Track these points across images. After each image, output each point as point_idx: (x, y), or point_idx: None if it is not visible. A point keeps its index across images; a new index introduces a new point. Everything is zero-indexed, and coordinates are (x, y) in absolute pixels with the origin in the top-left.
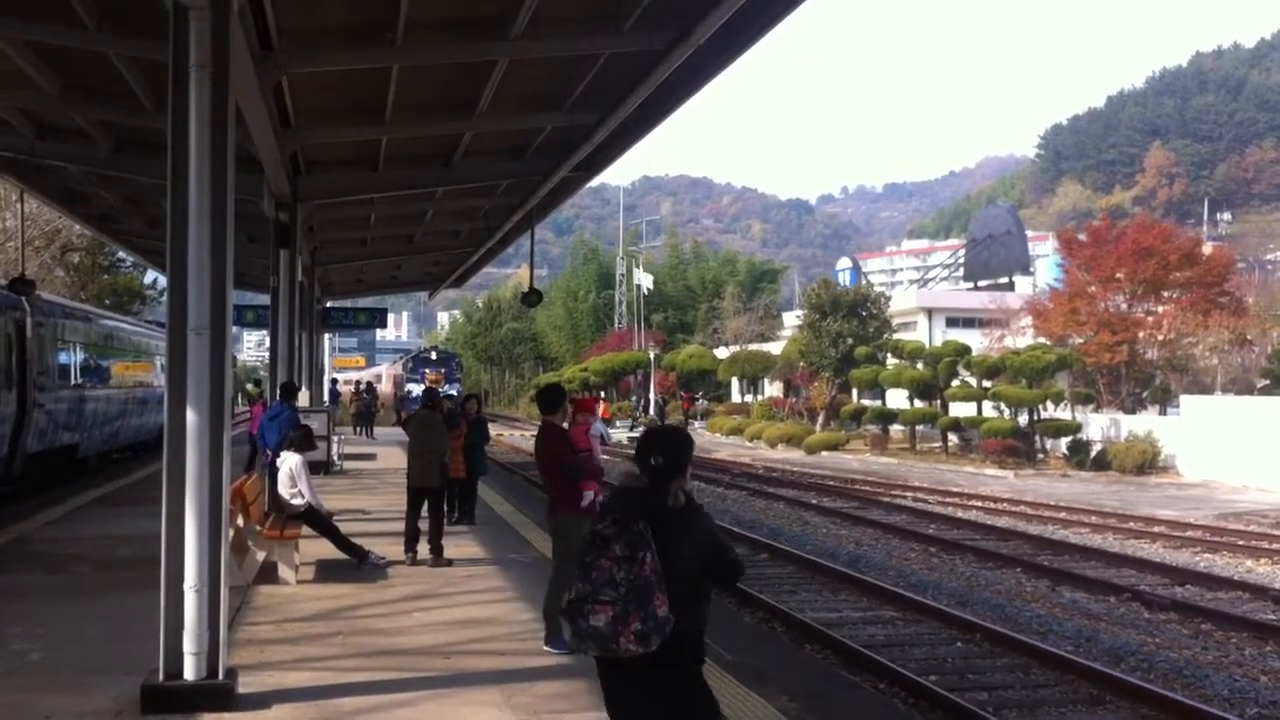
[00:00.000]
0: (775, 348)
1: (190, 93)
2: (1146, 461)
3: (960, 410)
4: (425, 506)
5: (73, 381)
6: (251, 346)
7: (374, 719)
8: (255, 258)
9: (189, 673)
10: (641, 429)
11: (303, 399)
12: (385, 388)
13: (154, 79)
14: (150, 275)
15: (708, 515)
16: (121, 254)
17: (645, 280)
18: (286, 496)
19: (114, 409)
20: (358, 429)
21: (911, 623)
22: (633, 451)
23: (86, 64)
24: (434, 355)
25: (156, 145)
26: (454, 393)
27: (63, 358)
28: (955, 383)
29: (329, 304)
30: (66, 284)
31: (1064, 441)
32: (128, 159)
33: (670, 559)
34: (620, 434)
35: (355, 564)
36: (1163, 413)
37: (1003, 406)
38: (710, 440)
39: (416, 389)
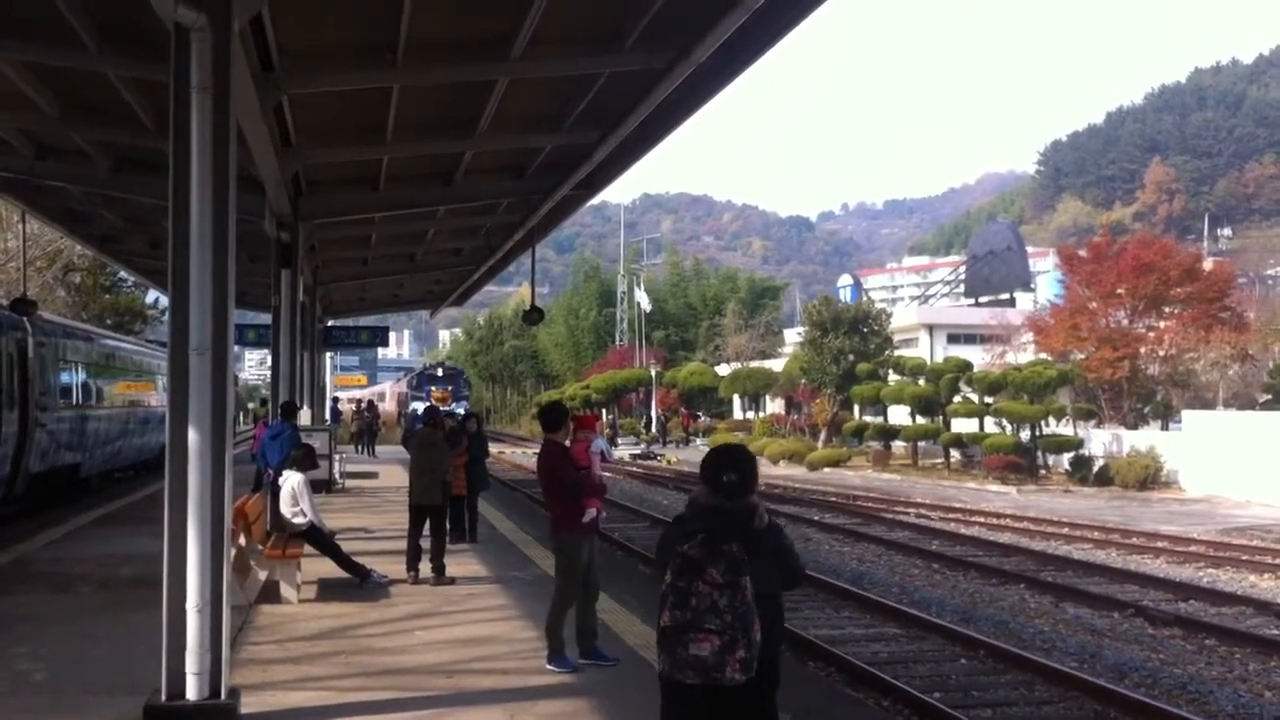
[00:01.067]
0: (777, 365)
1: (191, 113)
2: (1149, 477)
3: (962, 426)
4: (427, 525)
5: (75, 401)
6: (253, 365)
7: None
8: (257, 277)
9: (191, 693)
10: (642, 446)
11: (304, 418)
12: (389, 406)
13: (154, 99)
14: (151, 295)
15: (782, 529)
16: (123, 274)
17: (643, 299)
18: (288, 515)
19: (116, 428)
20: (359, 447)
21: (915, 640)
22: (638, 468)
23: (86, 85)
24: (440, 372)
25: (157, 165)
26: (461, 411)
27: (64, 377)
28: (957, 399)
29: (330, 323)
30: (68, 304)
31: (1066, 457)
32: (129, 179)
33: (758, 580)
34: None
35: (357, 583)
36: (1165, 428)
37: (1004, 422)
38: None
39: (422, 407)
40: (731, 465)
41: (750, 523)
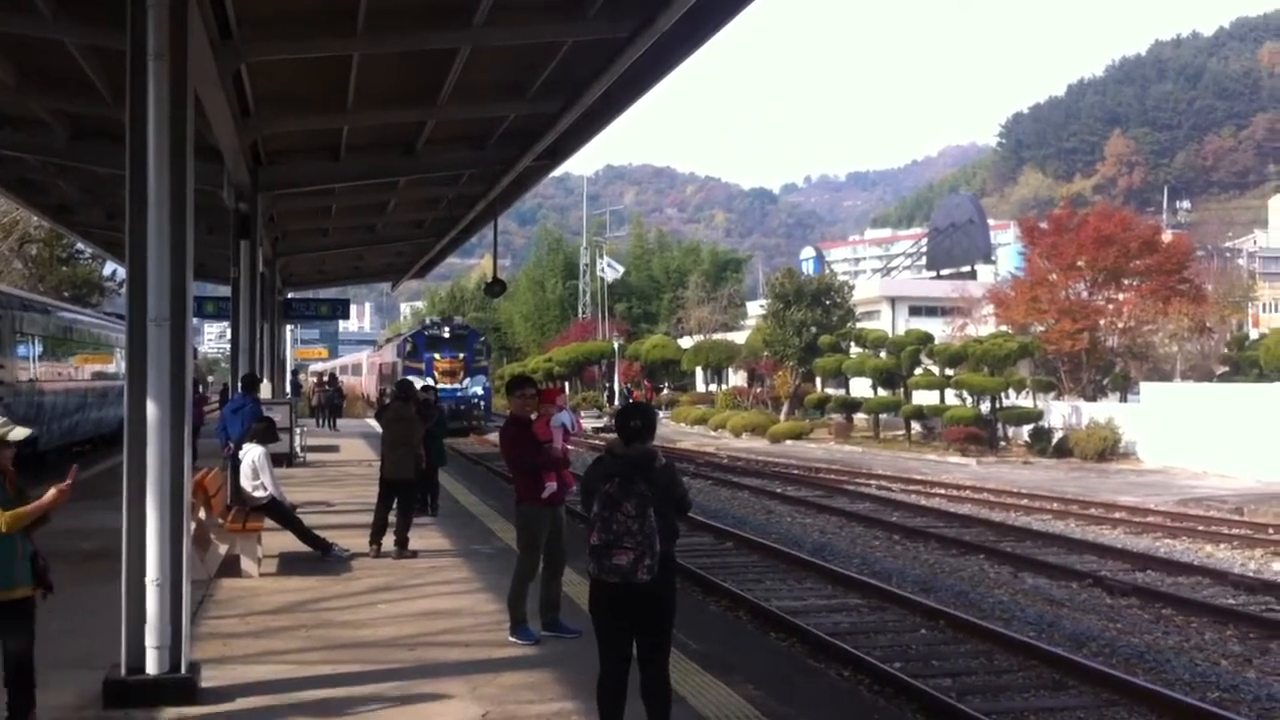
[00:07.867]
0: (739, 337)
1: (148, 82)
2: (1107, 448)
3: (923, 398)
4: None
5: (31, 374)
6: (213, 338)
7: (338, 711)
8: (216, 249)
9: (151, 667)
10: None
11: (264, 391)
12: (366, 381)
13: (112, 68)
14: (109, 267)
15: (675, 468)
16: (80, 246)
17: (613, 272)
18: (249, 489)
19: (73, 402)
20: (320, 420)
21: (876, 610)
22: (601, 441)
23: (43, 53)
24: (446, 332)
25: (115, 135)
26: (480, 390)
27: (21, 350)
28: (918, 371)
29: (290, 295)
30: (24, 276)
31: (1026, 429)
32: (86, 149)
33: (657, 505)
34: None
35: (319, 556)
36: (1123, 400)
37: (965, 394)
38: (675, 430)
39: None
40: (636, 415)
41: (652, 464)
